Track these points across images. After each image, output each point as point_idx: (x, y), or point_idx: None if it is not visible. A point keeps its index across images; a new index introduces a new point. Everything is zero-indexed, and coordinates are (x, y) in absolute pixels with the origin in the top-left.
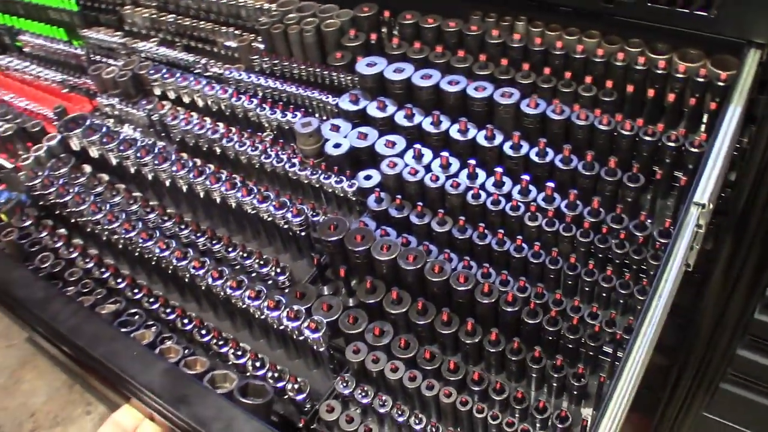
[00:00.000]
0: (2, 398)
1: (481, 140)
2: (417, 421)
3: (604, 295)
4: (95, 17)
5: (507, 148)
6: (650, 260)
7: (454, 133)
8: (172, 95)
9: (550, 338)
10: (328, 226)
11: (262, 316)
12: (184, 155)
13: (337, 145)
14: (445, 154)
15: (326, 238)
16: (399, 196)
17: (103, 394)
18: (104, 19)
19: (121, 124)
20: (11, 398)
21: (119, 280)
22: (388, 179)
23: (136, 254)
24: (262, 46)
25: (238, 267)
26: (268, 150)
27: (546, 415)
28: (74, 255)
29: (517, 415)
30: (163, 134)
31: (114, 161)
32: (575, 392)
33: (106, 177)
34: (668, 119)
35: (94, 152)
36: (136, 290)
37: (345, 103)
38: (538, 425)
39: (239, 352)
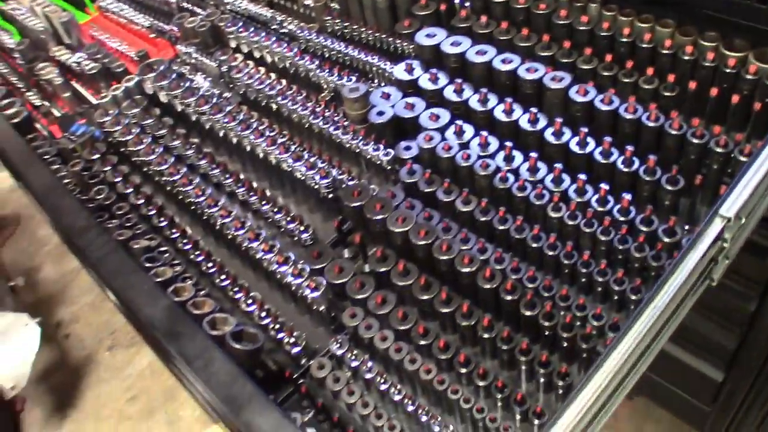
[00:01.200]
0: (89, 314)
1: (524, 123)
2: (397, 392)
3: (615, 297)
4: None
5: (548, 134)
6: (651, 261)
7: (499, 113)
8: (245, 49)
9: (546, 333)
10: (352, 192)
11: (271, 269)
12: (243, 108)
13: (380, 113)
14: (484, 133)
15: (348, 203)
16: (429, 170)
17: None
18: None
19: (195, 73)
20: (97, 315)
21: (161, 219)
22: (424, 152)
23: (179, 198)
24: (337, 7)
25: (269, 220)
26: (317, 111)
27: (525, 407)
28: (128, 191)
29: (498, 405)
30: (230, 86)
31: (179, 108)
32: (560, 391)
33: (170, 121)
34: (732, 122)
35: (163, 97)
36: (173, 230)
37: (399, 71)
38: (518, 417)
39: (249, 300)
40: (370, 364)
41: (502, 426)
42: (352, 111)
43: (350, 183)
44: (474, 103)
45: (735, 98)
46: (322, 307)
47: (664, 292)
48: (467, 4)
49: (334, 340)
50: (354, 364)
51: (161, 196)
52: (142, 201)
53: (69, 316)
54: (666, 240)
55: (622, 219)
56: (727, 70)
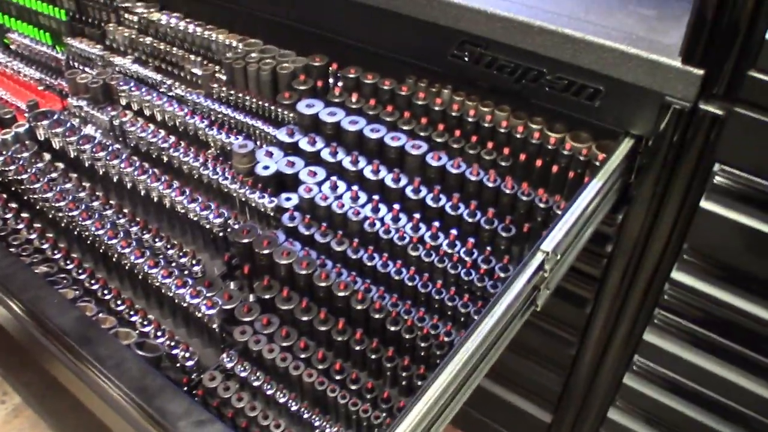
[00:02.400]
0: None
1: (389, 182)
2: (282, 396)
3: (462, 319)
4: (81, 29)
5: (408, 190)
6: (476, 282)
7: (368, 172)
8: (135, 107)
9: (407, 344)
10: (242, 230)
11: (170, 293)
12: (135, 158)
13: (266, 167)
14: (355, 188)
15: (238, 240)
16: (308, 216)
17: (21, 383)
18: (88, 31)
19: (85, 125)
20: None
21: (55, 251)
22: (304, 202)
23: (75, 232)
24: (223, 77)
25: (161, 255)
26: (208, 164)
27: (390, 405)
28: (20, 226)
29: (368, 404)
30: (120, 138)
31: (72, 153)
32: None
33: (61, 165)
34: (552, 187)
35: (56, 143)
36: (68, 261)
37: (282, 134)
38: (384, 413)
39: (145, 322)
40: (258, 373)
41: (372, 415)
42: (240, 165)
43: (236, 225)
44: (347, 163)
45: (555, 168)
46: (215, 325)
47: (496, 309)
48: (340, 83)
49: (225, 353)
50: (243, 374)
51: (53, 231)
52: (35, 235)
53: None
54: (502, 274)
55: (467, 258)
56: (549, 147)
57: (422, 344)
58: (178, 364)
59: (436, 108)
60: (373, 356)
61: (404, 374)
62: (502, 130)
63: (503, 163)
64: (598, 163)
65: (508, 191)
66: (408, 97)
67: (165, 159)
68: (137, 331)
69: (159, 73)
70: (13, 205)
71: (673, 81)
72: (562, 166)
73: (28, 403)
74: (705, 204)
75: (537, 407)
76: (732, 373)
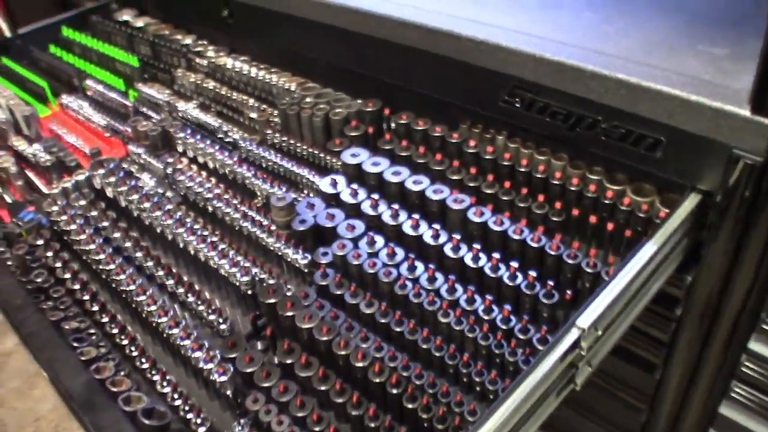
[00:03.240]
0: (15, 399)
1: (427, 238)
2: None
3: (491, 396)
4: (154, 74)
5: (447, 249)
6: (508, 357)
7: (407, 227)
8: (190, 154)
9: (425, 424)
10: (268, 290)
11: (188, 355)
12: (182, 208)
13: (303, 221)
14: (392, 245)
15: (263, 300)
16: (339, 275)
17: None
18: (161, 77)
19: (142, 172)
20: (22, 401)
21: (93, 304)
22: (337, 258)
23: (113, 286)
24: (278, 122)
25: (193, 311)
26: (247, 215)
27: None
28: (66, 276)
29: None
30: (173, 187)
31: (123, 203)
32: None
33: (114, 215)
34: (607, 246)
35: (109, 192)
36: (103, 315)
37: (324, 184)
38: None
39: (165, 383)
40: None
41: None
42: (278, 218)
43: (270, 282)
44: (386, 217)
45: (610, 226)
46: (228, 392)
47: (519, 390)
48: (392, 127)
49: (237, 423)
50: None
51: (96, 283)
52: (78, 286)
53: None
54: (539, 347)
55: (503, 327)
56: (606, 201)
57: (439, 426)
58: (190, 429)
59: (487, 157)
60: None
61: None
62: (556, 182)
63: (555, 218)
64: (659, 221)
65: (552, 252)
66: (458, 145)
67: (210, 209)
68: (156, 391)
69: (219, 119)
70: (63, 255)
71: (741, 132)
72: (620, 222)
73: None
74: None
75: None
76: None
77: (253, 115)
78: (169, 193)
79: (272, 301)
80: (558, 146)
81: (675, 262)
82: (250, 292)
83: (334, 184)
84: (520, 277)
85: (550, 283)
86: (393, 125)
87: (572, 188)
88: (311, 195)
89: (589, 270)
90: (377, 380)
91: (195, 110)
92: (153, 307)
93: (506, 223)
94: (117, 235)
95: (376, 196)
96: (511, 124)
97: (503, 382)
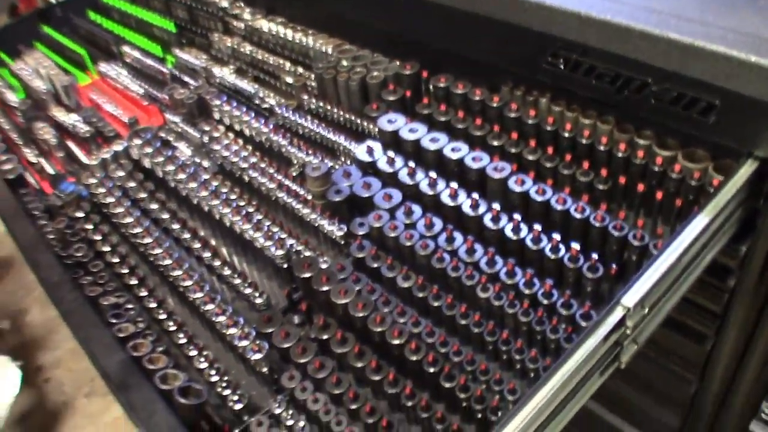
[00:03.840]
0: (70, 360)
1: (466, 208)
2: None
3: (531, 374)
4: (190, 39)
5: (487, 219)
6: (550, 334)
7: (445, 197)
8: (227, 122)
9: (462, 403)
10: (303, 263)
11: (222, 331)
12: (218, 177)
13: (338, 191)
14: (429, 215)
15: (299, 274)
16: (375, 247)
17: None
18: (197, 41)
19: (179, 141)
20: (78, 361)
21: (132, 278)
22: (374, 230)
23: (150, 259)
24: (314, 86)
25: (230, 284)
26: (282, 185)
27: None
28: (105, 249)
29: None
30: (210, 155)
31: (160, 174)
32: None
33: (151, 186)
34: (656, 216)
35: (146, 163)
36: (142, 289)
37: (361, 152)
38: None
39: (202, 359)
40: (301, 423)
41: None
42: (314, 188)
43: (306, 254)
44: (424, 186)
45: (659, 194)
46: (264, 369)
47: (560, 372)
48: (430, 90)
49: (274, 399)
50: (289, 422)
51: (135, 257)
52: (117, 260)
53: (51, 360)
54: (583, 323)
55: (545, 302)
56: (655, 168)
57: (477, 406)
58: (228, 406)
59: (530, 121)
60: (424, 415)
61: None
62: (602, 148)
63: (600, 186)
64: (711, 190)
65: (597, 224)
66: (499, 109)
67: (246, 179)
68: (193, 366)
69: (256, 83)
70: (103, 227)
71: None
72: (669, 191)
73: None
74: None
75: None
76: None
77: (290, 80)
78: (205, 163)
79: (307, 275)
80: (604, 110)
81: (729, 233)
82: (285, 265)
83: (371, 151)
84: (562, 250)
85: (594, 256)
86: (431, 88)
87: (619, 154)
88: (348, 163)
89: (636, 242)
90: (414, 358)
91: (231, 76)
92: (188, 282)
93: (548, 192)
94: (154, 206)
95: (413, 164)
96: (554, 87)
97: (544, 360)
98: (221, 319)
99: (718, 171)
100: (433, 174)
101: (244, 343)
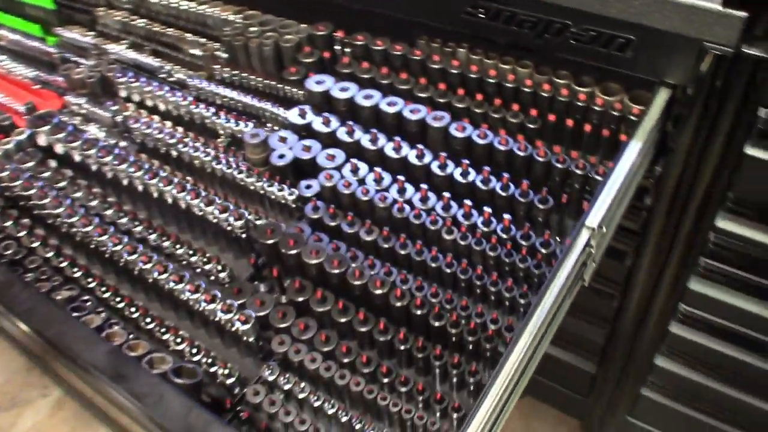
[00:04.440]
0: None
1: (412, 159)
2: (330, 407)
3: (507, 303)
4: (70, 16)
5: (434, 167)
6: (533, 269)
7: (389, 150)
8: (136, 98)
9: (454, 339)
10: (265, 230)
11: (200, 308)
12: (143, 156)
13: (281, 156)
14: (378, 169)
15: (263, 241)
16: (333, 206)
17: (60, 378)
18: (79, 18)
19: (87, 123)
20: None
21: (74, 270)
22: (325, 190)
23: (92, 247)
24: (224, 56)
25: (184, 263)
26: (220, 156)
27: (444, 405)
28: (35, 244)
29: (420, 406)
30: (125, 135)
31: (78, 159)
32: (471, 387)
33: (69, 173)
34: (586, 148)
35: (59, 149)
36: (89, 279)
37: (293, 116)
38: (438, 414)
39: (178, 339)
40: (302, 384)
41: (428, 421)
42: (254, 155)
43: (259, 222)
44: (366, 142)
45: (587, 127)
46: (251, 338)
47: (549, 293)
48: (347, 50)
49: (266, 366)
50: (287, 386)
51: (70, 248)
52: (52, 253)
53: None
54: (543, 251)
55: (505, 236)
56: (579, 104)
57: (470, 338)
58: (218, 381)
59: (454, 71)
60: (420, 355)
61: (455, 371)
62: (527, 89)
63: (531, 126)
64: (633, 117)
65: (540, 159)
66: (422, 62)
67: (174, 154)
68: (172, 351)
69: (157, 58)
70: (25, 221)
71: (713, 26)
72: (595, 123)
73: (71, 396)
74: (750, 150)
75: (581, 359)
76: None
77: (195, 51)
78: (122, 143)
79: (273, 241)
80: (522, 55)
81: (650, 156)
82: (243, 235)
83: (303, 114)
84: (512, 187)
85: (545, 189)
86: (349, 48)
87: (544, 94)
88: (277, 128)
89: (579, 172)
90: (399, 304)
91: (129, 51)
92: (149, 265)
93: (490, 135)
94: (79, 194)
95: (350, 123)
96: (472, 37)
97: (520, 288)
98: (196, 296)
99: (634, 101)
100: (373, 130)
101: (228, 315)
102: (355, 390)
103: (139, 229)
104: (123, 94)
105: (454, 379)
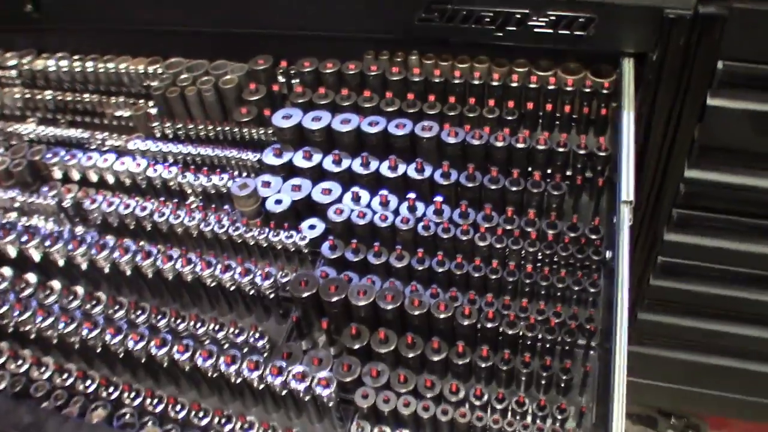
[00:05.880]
0: None
1: (413, 174)
2: None
3: (558, 294)
4: None
5: (438, 176)
6: (592, 256)
7: (385, 170)
8: (76, 176)
9: (529, 342)
10: (299, 283)
11: (263, 385)
12: (111, 238)
13: (278, 202)
14: (383, 192)
15: (300, 295)
16: (354, 240)
17: None
18: None
19: (25, 217)
20: None
21: (88, 383)
22: (336, 226)
23: (98, 351)
24: (154, 111)
25: (207, 341)
26: (208, 217)
27: (546, 411)
28: (45, 374)
29: (529, 419)
30: (76, 219)
31: (37, 258)
32: (562, 385)
33: (35, 276)
34: (566, 129)
35: (11, 252)
36: (111, 389)
37: (269, 157)
38: (538, 421)
39: (246, 425)
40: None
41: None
42: (246, 207)
43: (284, 279)
44: (357, 167)
45: (567, 108)
46: (332, 402)
47: (621, 276)
48: (295, 81)
49: (356, 425)
50: None
51: (80, 360)
52: (50, 372)
53: None
54: (572, 234)
55: (531, 230)
56: (551, 88)
57: (549, 336)
58: None
59: (417, 79)
60: (505, 367)
61: (545, 374)
62: (496, 83)
63: (509, 118)
64: (605, 92)
65: (542, 147)
66: (381, 76)
67: (148, 227)
68: None
69: (77, 128)
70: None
71: None
72: (570, 104)
73: None
74: (712, 101)
75: None
76: (757, 245)
77: (122, 113)
78: (79, 229)
79: (310, 292)
80: (479, 52)
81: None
82: (272, 294)
83: (279, 153)
84: (522, 181)
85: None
86: (297, 78)
87: (513, 85)
88: (251, 175)
89: (582, 152)
90: (467, 323)
91: (39, 128)
92: (186, 355)
93: (485, 135)
94: (53, 298)
95: (337, 152)
96: (419, 43)
97: (559, 273)
98: (255, 373)
99: (598, 76)
100: (364, 154)
101: (303, 384)
102: (462, 422)
103: (143, 318)
104: (58, 175)
105: (543, 382)
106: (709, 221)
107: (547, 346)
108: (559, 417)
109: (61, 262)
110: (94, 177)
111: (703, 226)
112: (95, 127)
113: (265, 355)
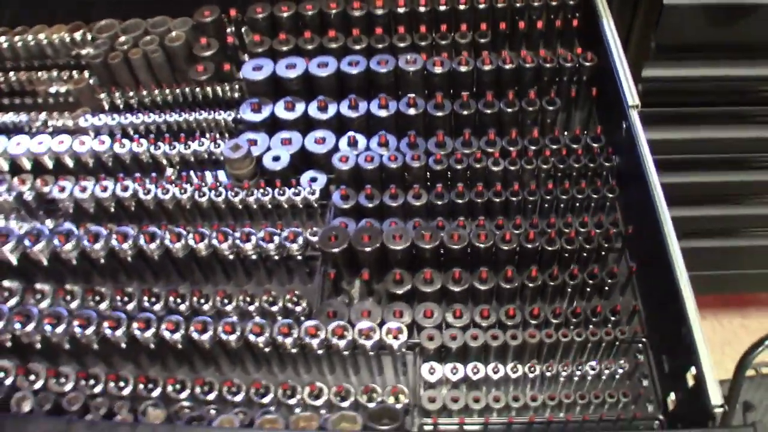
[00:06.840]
0: None
1: (406, 109)
2: (514, 370)
3: (577, 205)
4: None
5: (431, 109)
6: (604, 163)
7: (376, 110)
8: (27, 165)
9: (576, 255)
10: (328, 238)
11: (321, 350)
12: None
13: (276, 158)
14: (381, 132)
15: (331, 249)
16: (368, 186)
17: None
18: None
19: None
20: None
21: (122, 384)
22: (342, 174)
23: (122, 347)
24: (97, 81)
25: (234, 317)
26: (203, 188)
27: (600, 317)
28: (38, 384)
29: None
30: (40, 212)
31: (13, 260)
32: (606, 288)
33: (15, 284)
34: (536, 46)
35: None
36: (150, 386)
37: (248, 114)
38: (609, 324)
39: (317, 392)
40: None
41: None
42: (240, 169)
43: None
44: (346, 111)
45: (539, 24)
46: (400, 351)
47: (653, 186)
48: (244, 29)
49: (429, 368)
50: (455, 377)
51: (121, 358)
52: (81, 382)
53: None
54: (575, 146)
55: (534, 148)
56: (519, 5)
57: (587, 246)
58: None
59: (380, 12)
60: (553, 283)
61: (591, 282)
62: (463, 8)
63: (482, 41)
64: (572, 3)
65: (528, 65)
66: (341, 13)
67: (132, 207)
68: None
69: (6, 112)
70: (6, 364)
71: None
72: (542, 18)
73: None
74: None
75: None
76: (725, 131)
77: (59, 88)
78: (43, 225)
79: (342, 246)
80: None
81: None
82: (299, 255)
83: (258, 108)
84: (516, 102)
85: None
86: (251, 26)
87: (481, 6)
88: (226, 135)
89: (569, 65)
90: (507, 248)
91: None
92: (233, 336)
93: (471, 61)
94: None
95: (321, 98)
96: None
97: (593, 184)
98: (320, 337)
99: None
100: (352, 96)
101: (372, 341)
102: (533, 342)
103: (158, 306)
104: (4, 165)
105: (588, 290)
106: (673, 114)
107: (584, 255)
108: (612, 318)
109: (45, 261)
110: (49, 163)
111: (666, 120)
112: (30, 108)
113: (303, 319)
